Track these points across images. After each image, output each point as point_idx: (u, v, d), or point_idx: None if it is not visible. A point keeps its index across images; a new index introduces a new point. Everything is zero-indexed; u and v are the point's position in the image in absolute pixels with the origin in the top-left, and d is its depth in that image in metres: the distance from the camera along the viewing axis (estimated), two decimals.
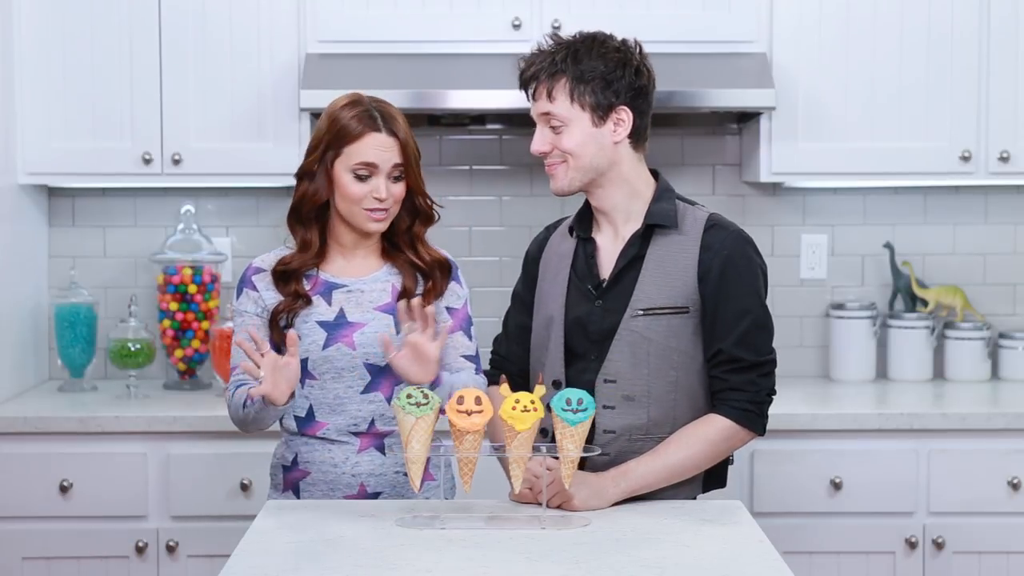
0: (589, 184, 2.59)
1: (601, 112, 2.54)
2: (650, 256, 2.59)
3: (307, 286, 2.63)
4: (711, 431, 2.52)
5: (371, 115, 2.59)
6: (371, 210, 2.58)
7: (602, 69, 2.53)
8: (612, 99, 2.54)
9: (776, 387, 2.57)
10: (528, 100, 2.60)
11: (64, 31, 3.72)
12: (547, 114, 2.56)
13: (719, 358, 2.54)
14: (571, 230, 2.69)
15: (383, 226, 2.61)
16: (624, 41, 2.59)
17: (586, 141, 2.55)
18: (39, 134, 3.73)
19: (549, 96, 2.54)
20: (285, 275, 2.62)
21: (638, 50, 2.59)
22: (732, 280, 2.54)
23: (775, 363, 2.56)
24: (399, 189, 2.60)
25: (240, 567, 2.12)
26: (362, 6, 3.74)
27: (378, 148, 2.57)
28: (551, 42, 2.59)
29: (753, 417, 2.53)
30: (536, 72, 2.56)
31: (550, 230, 2.77)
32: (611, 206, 2.61)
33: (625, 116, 2.56)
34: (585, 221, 2.67)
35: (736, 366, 2.53)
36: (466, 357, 2.64)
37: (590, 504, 2.47)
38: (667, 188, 2.64)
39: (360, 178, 2.57)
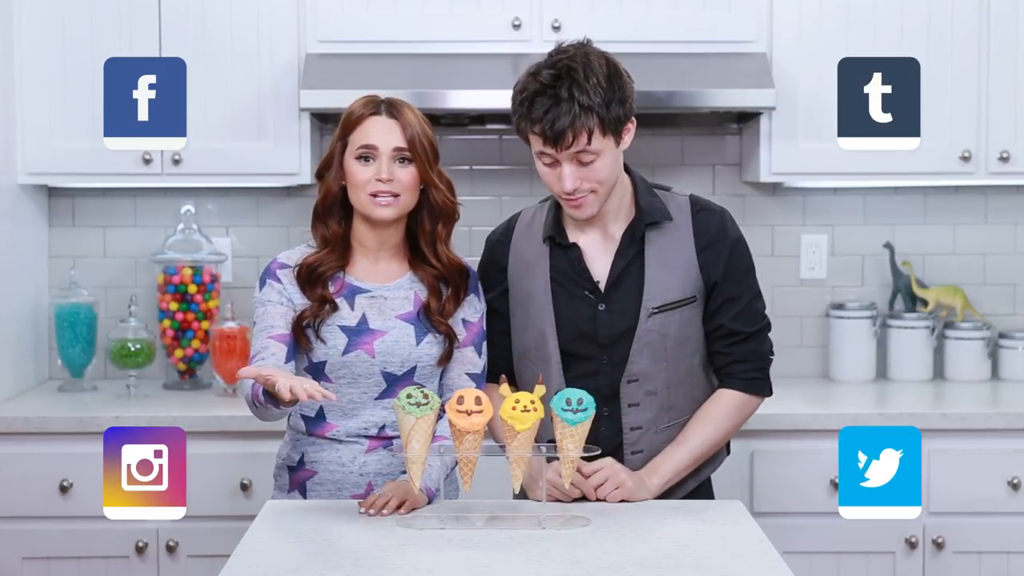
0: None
1: (619, 131, 2.49)
2: (650, 252, 2.59)
3: (332, 288, 2.59)
4: (725, 409, 2.62)
5: (375, 102, 2.59)
6: (375, 194, 2.53)
7: (613, 88, 2.45)
8: (627, 114, 2.49)
9: (774, 348, 2.67)
10: (551, 149, 2.45)
11: (64, 31, 3.71)
12: (581, 152, 2.44)
13: (719, 332, 2.61)
14: (548, 239, 2.62)
15: (389, 212, 2.55)
16: (590, 44, 2.51)
17: (613, 164, 2.50)
18: (39, 134, 3.73)
19: (589, 139, 2.43)
20: (311, 278, 2.58)
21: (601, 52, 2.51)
22: (732, 262, 2.61)
23: (770, 326, 2.66)
24: (406, 175, 2.55)
25: (240, 567, 2.12)
26: (362, 6, 3.74)
27: (378, 129, 2.55)
28: (544, 73, 2.44)
29: (759, 384, 2.64)
30: (571, 121, 2.41)
31: (507, 237, 2.71)
32: (605, 210, 2.58)
33: (631, 125, 2.53)
34: (559, 226, 2.62)
35: (736, 339, 2.61)
36: (470, 375, 2.61)
37: (637, 495, 2.52)
38: (643, 179, 2.64)
39: (363, 160, 2.55)
